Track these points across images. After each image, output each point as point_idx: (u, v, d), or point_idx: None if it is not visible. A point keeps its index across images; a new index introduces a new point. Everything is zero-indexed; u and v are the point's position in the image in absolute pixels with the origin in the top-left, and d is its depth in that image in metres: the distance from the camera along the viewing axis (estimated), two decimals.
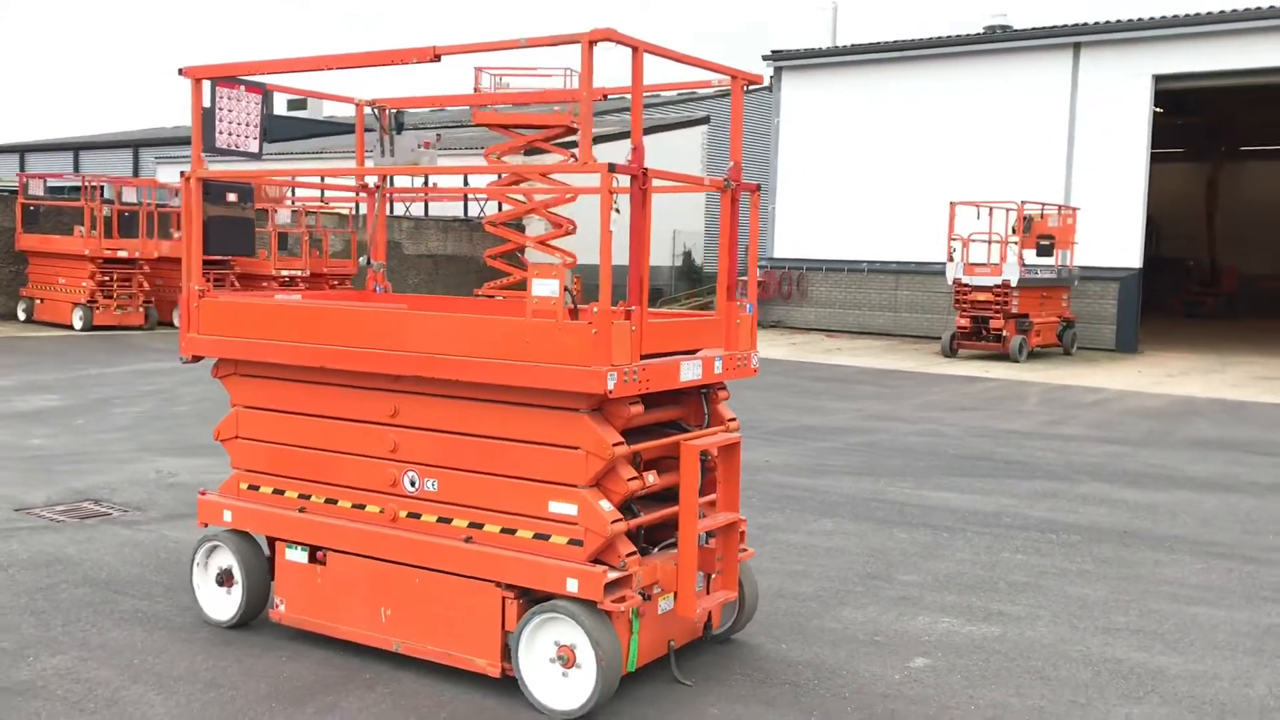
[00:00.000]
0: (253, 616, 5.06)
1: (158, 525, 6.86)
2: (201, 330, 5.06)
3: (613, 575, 4.15)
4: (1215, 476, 9.23)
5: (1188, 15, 20.54)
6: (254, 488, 5.08)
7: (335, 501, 4.83)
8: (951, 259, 19.21)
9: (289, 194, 26.01)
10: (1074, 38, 21.71)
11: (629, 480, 4.24)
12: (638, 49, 4.11)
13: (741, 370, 4.85)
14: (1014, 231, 20.00)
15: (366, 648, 4.73)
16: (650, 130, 36.39)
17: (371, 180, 5.84)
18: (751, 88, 4.99)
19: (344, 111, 55.12)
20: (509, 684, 4.34)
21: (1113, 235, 21.19)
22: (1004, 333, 18.63)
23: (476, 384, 4.34)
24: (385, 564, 4.64)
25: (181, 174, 5.12)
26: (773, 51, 26.08)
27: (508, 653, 4.36)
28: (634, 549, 4.28)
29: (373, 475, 4.71)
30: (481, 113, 16.54)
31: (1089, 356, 20.40)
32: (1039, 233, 19.86)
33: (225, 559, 5.11)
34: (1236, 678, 4.74)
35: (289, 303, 5.15)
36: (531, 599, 4.35)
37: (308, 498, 4.90)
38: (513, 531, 4.37)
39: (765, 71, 26.30)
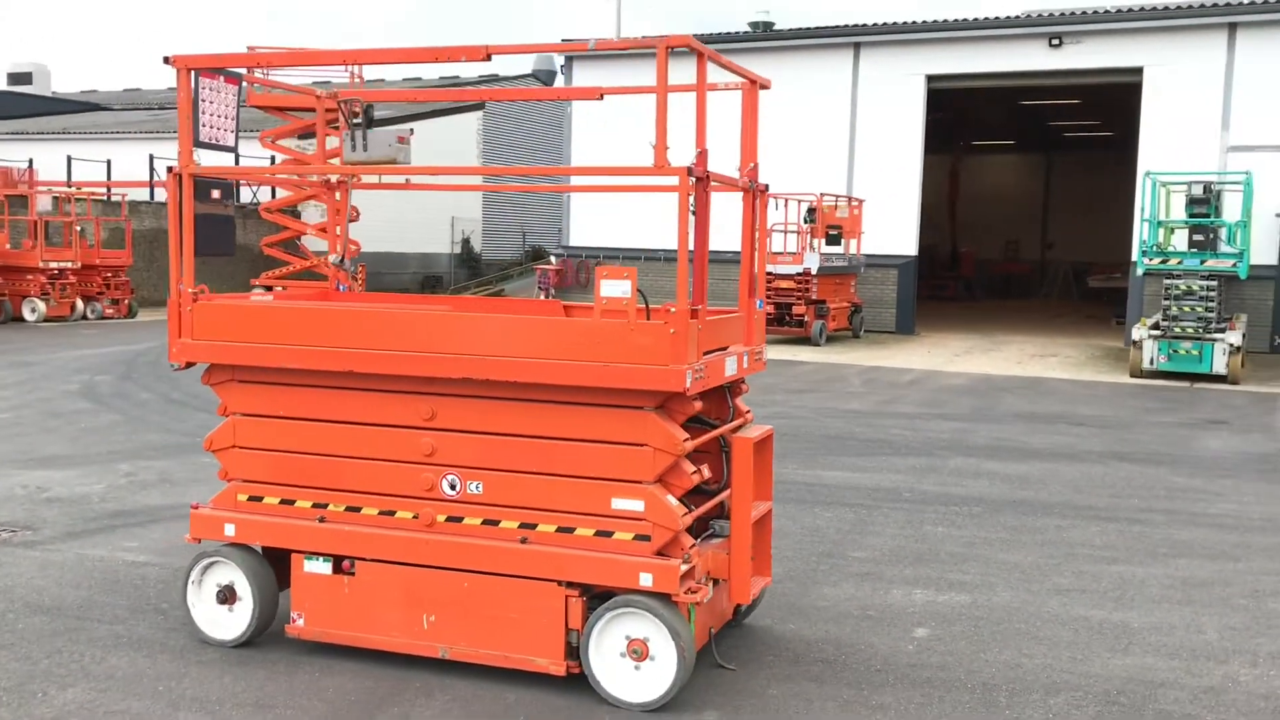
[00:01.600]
0: (260, 633, 4.84)
1: (65, 544, 6.37)
2: (196, 335, 4.78)
3: (684, 568, 4.26)
4: (1055, 447, 10.16)
5: (955, 20, 22.16)
6: (256, 499, 4.85)
7: (358, 509, 4.69)
8: None
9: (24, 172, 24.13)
10: (855, 38, 22.99)
11: (691, 474, 4.37)
12: (703, 55, 4.22)
13: (756, 365, 5.05)
14: (805, 222, 21.11)
15: (397, 656, 4.63)
16: (421, 116, 35.85)
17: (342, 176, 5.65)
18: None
19: (69, 87, 50.95)
20: (569, 682, 4.38)
21: (891, 225, 22.63)
22: (806, 318, 19.60)
23: (535, 385, 4.34)
24: (426, 570, 4.56)
25: (170, 169, 4.82)
26: (563, 40, 26.20)
27: (570, 651, 4.40)
28: (694, 541, 4.41)
29: (405, 480, 4.61)
30: (256, 94, 15.92)
31: (876, 339, 21.73)
32: (827, 223, 21.02)
33: (226, 575, 4.86)
34: (1189, 626, 5.36)
35: (308, 306, 4.93)
36: (592, 595, 4.41)
37: (324, 506, 4.74)
38: (570, 530, 4.40)
39: (557, 60, 26.43)
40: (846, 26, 23.29)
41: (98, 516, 7.04)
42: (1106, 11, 21.48)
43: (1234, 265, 15.03)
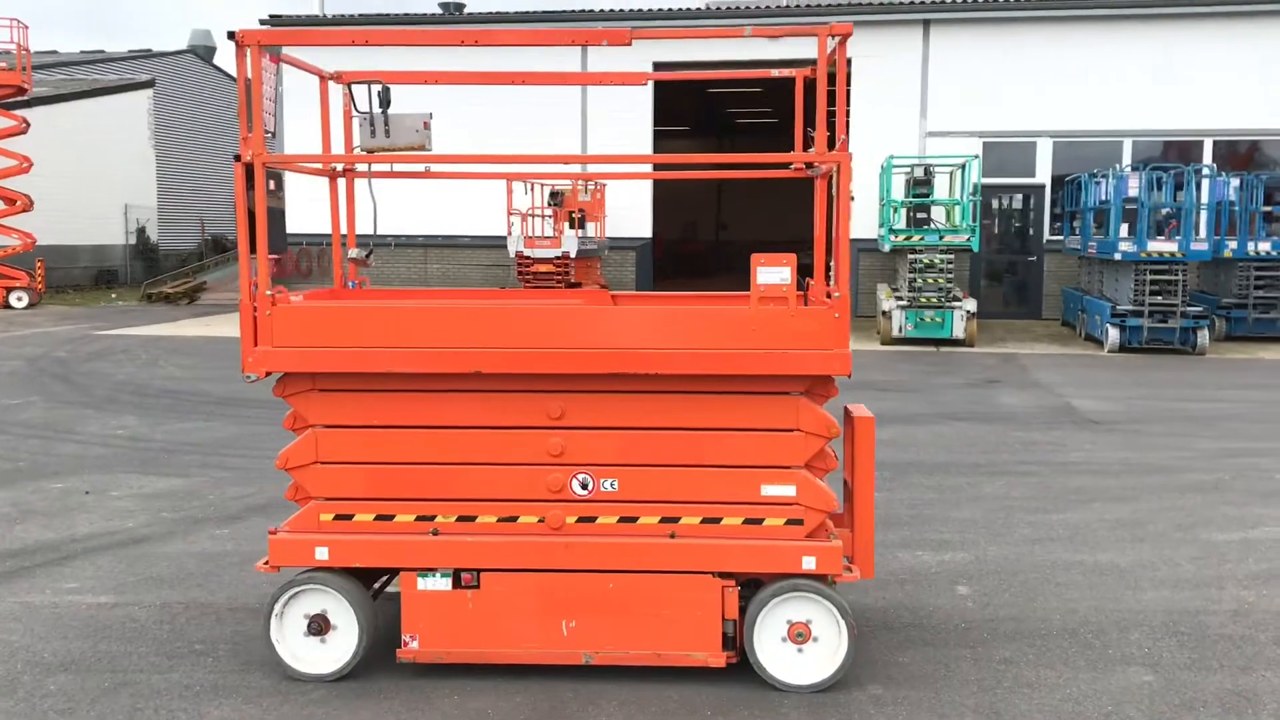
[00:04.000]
0: (360, 662, 4.45)
1: (28, 589, 5.52)
2: (276, 343, 4.30)
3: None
4: (886, 411, 10.94)
5: (679, 10, 23.00)
6: (344, 517, 4.44)
7: (472, 518, 4.42)
8: (511, 233, 19.92)
9: None
10: (581, 24, 23.27)
11: (832, 456, 4.46)
12: (845, 36, 4.29)
13: None
14: (548, 205, 21.29)
15: (528, 669, 4.42)
16: (88, 95, 32.67)
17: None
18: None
19: None
20: (728, 673, 4.37)
21: (628, 208, 23.19)
22: None
23: (684, 376, 4.27)
24: (563, 574, 4.37)
25: (237, 157, 4.29)
26: (271, 16, 24.74)
27: (726, 641, 4.38)
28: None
29: (530, 483, 4.39)
30: None
31: None
32: (570, 207, 21.28)
33: (318, 603, 4.43)
34: (1165, 561, 6.06)
35: (423, 305, 4.54)
36: (743, 584, 4.41)
37: (430, 519, 4.42)
38: (716, 520, 4.38)
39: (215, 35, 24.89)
40: (573, 12, 23.54)
41: None
42: (816, 6, 23.00)
43: (967, 240, 16.69)
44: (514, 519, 4.42)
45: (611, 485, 4.39)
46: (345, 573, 4.46)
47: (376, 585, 4.80)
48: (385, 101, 5.18)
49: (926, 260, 16.76)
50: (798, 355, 4.21)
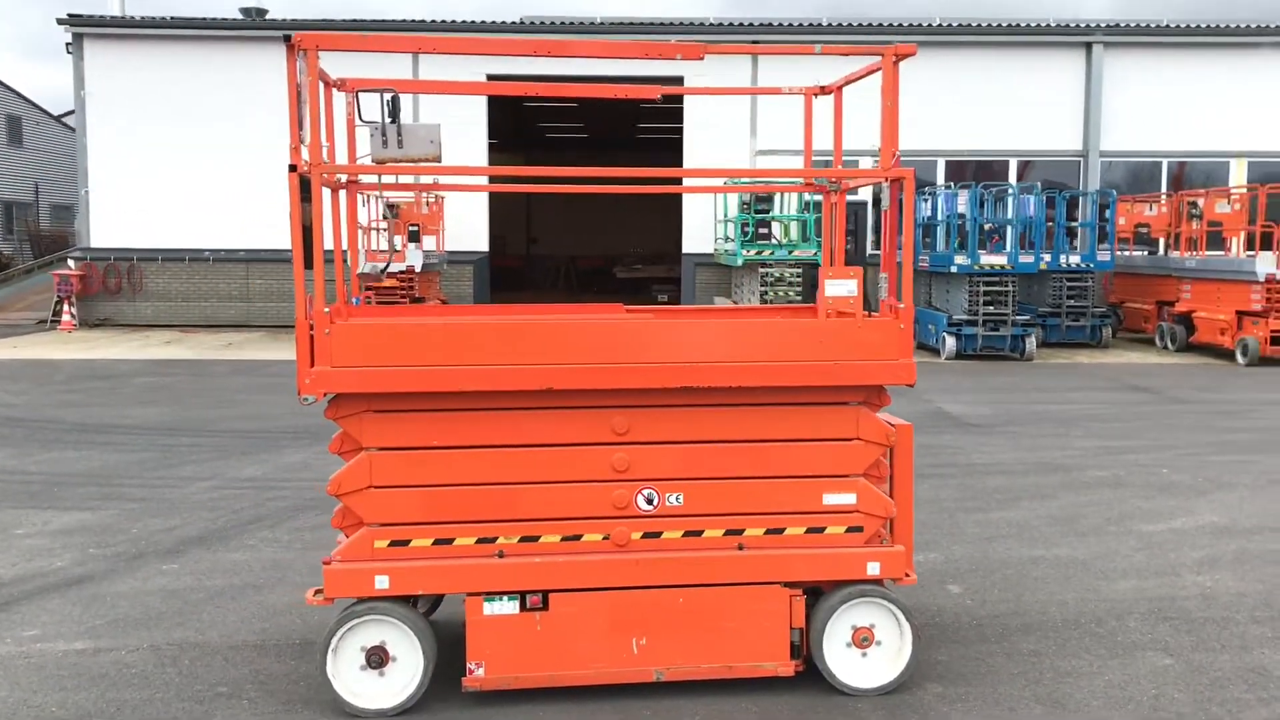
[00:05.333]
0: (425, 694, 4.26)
1: None
2: (336, 362, 4.08)
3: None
4: None
5: (514, 23, 22.91)
6: (400, 543, 4.25)
7: (535, 538, 4.32)
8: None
9: None
10: (413, 33, 22.83)
11: (885, 464, 4.59)
12: (885, 57, 4.43)
13: None
14: (385, 218, 20.77)
15: (594, 690, 4.35)
16: None
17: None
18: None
19: None
20: (794, 681, 4.43)
21: (463, 221, 22.88)
22: None
23: (744, 389, 4.30)
24: (632, 592, 4.33)
25: (293, 167, 4.06)
26: (70, 15, 23.15)
27: (794, 650, 4.43)
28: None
29: (595, 501, 4.33)
30: None
31: None
32: (409, 220, 20.84)
33: (374, 635, 4.22)
34: (1117, 553, 6.48)
35: (492, 322, 4.36)
36: (808, 592, 4.47)
37: (492, 540, 4.29)
38: (780, 531, 4.43)
39: (62, 36, 23.29)
40: (407, 21, 23.10)
41: None
42: (656, 23, 23.36)
43: (815, 254, 17.31)
44: (578, 537, 4.34)
45: (677, 500, 4.38)
46: (404, 601, 4.27)
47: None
48: (395, 110, 5.00)
49: (777, 274, 17.28)
50: (865, 366, 4.32)
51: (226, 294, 23.42)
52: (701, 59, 4.22)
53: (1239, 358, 16.81)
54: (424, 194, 20.91)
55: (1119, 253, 20.40)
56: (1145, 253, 21.41)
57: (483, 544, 4.29)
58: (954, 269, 16.93)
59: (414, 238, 20.80)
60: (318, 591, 4.31)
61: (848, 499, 4.44)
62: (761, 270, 17.38)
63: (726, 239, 17.99)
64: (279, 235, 22.48)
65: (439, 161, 4.99)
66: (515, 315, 4.88)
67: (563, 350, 4.19)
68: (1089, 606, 5.51)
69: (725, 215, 19.26)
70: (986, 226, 18.15)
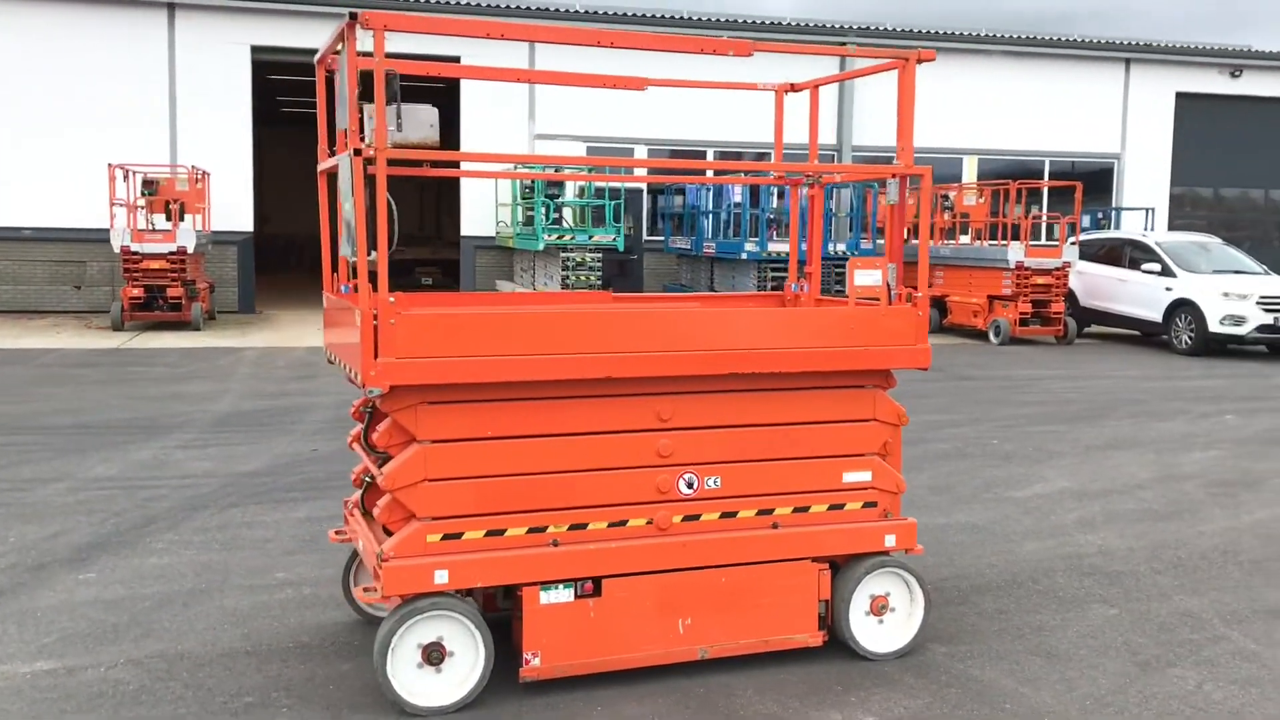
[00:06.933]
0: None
1: None
2: (400, 353, 3.95)
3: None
4: None
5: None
6: (452, 536, 4.17)
7: (583, 525, 4.34)
8: (114, 225, 17.90)
9: None
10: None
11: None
12: (909, 62, 4.71)
13: None
14: (141, 196, 19.40)
15: (643, 671, 4.43)
16: None
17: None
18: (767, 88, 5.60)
19: None
20: (822, 650, 4.67)
21: (227, 200, 21.65)
22: (182, 300, 18.12)
23: (783, 374, 4.50)
24: (678, 574, 4.43)
25: (357, 151, 3.89)
26: None
27: (820, 621, 4.67)
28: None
29: (640, 486, 4.41)
30: None
31: (233, 320, 20.73)
32: (166, 197, 19.55)
33: (433, 630, 4.12)
34: (1006, 518, 7.12)
35: (555, 310, 4.29)
36: (831, 565, 4.72)
37: (542, 529, 4.29)
38: (805, 509, 4.66)
39: None
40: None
41: None
42: (425, 2, 22.86)
43: (614, 240, 17.62)
44: (623, 523, 4.39)
45: (715, 483, 4.51)
46: (461, 595, 4.19)
47: None
48: (396, 93, 4.83)
49: (578, 258, 17.46)
50: (890, 351, 4.60)
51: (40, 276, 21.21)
52: (750, 55, 4.35)
53: (992, 338, 18.50)
54: (185, 169, 19.63)
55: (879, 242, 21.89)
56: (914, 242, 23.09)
57: (533, 534, 4.26)
58: (744, 255, 17.68)
59: (169, 215, 19.49)
60: (368, 589, 4.15)
61: (864, 476, 4.72)
62: (563, 255, 17.50)
63: (520, 223, 17.99)
64: (11, 212, 20.68)
65: (437, 147, 4.86)
66: (559, 305, 4.86)
67: (621, 338, 4.23)
68: (1016, 567, 6.06)
69: (515, 199, 19.24)
70: (769, 216, 19.07)
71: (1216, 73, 27.32)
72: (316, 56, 4.80)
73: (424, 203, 45.26)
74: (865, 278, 4.61)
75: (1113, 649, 4.88)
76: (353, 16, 3.85)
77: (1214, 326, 16.75)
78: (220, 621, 5.07)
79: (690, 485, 4.47)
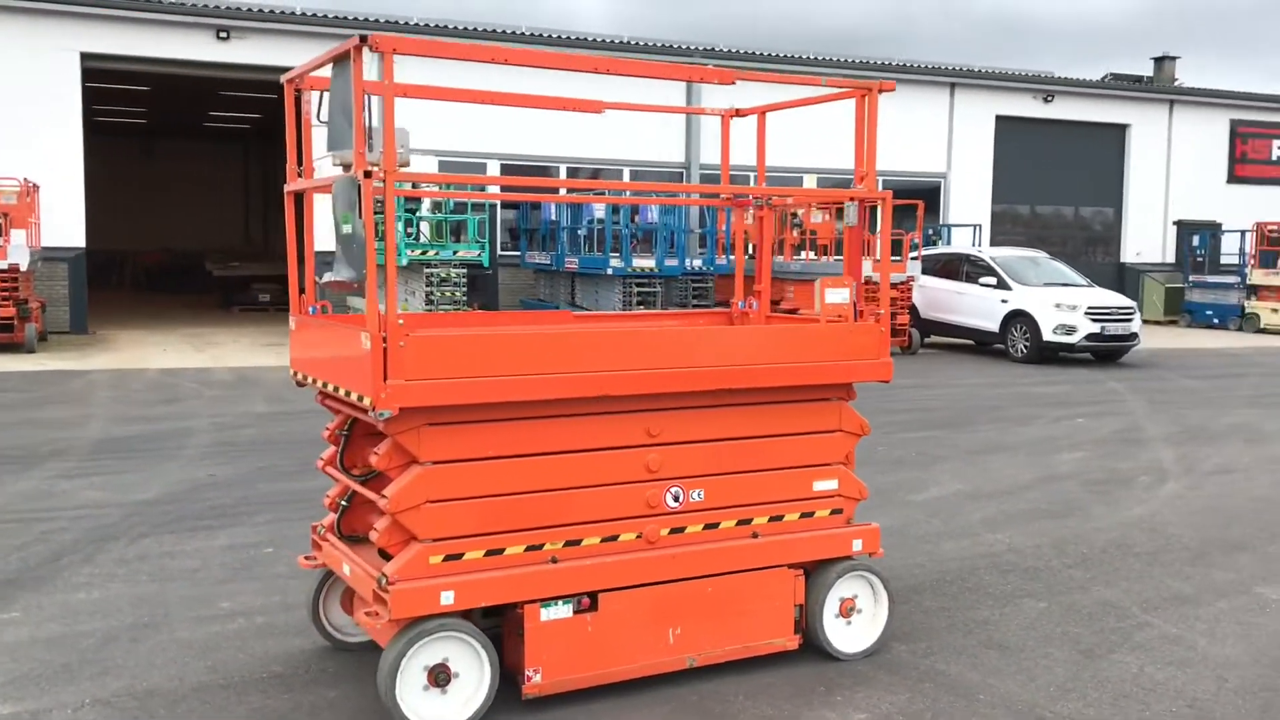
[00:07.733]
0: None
1: None
2: (409, 375, 3.94)
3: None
4: None
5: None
6: (453, 557, 4.18)
7: (578, 541, 4.41)
8: None
9: None
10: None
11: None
12: (872, 91, 4.96)
13: None
14: None
15: (635, 682, 4.51)
16: None
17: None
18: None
19: None
20: (797, 654, 4.85)
21: (58, 215, 20.52)
22: (14, 321, 17.07)
23: (769, 389, 4.68)
24: (669, 585, 4.54)
25: (367, 173, 3.87)
26: None
27: (795, 625, 4.85)
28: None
29: (630, 501, 4.51)
30: None
31: (67, 341, 19.63)
32: None
33: (437, 653, 4.11)
34: (914, 522, 7.48)
35: (557, 331, 4.31)
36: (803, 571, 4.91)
37: (539, 547, 4.33)
38: (780, 518, 4.84)
39: None
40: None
41: None
42: (274, 13, 22.23)
43: (478, 255, 17.53)
44: (615, 538, 4.48)
45: (699, 495, 4.64)
46: (464, 615, 4.19)
47: None
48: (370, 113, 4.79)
49: (443, 274, 17.30)
50: (858, 365, 4.84)
51: None
52: (733, 84, 4.51)
53: None
54: (14, 181, 18.52)
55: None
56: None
57: (531, 551, 4.30)
58: (609, 271, 17.87)
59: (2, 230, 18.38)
60: (369, 613, 4.11)
61: (832, 484, 4.94)
62: (428, 270, 17.29)
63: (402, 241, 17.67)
64: None
65: (408, 166, 4.84)
66: (554, 325, 4.90)
67: (617, 357, 4.32)
68: (942, 567, 6.40)
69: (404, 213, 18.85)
70: (635, 234, 19.32)
71: (1031, 97, 29.17)
72: (286, 76, 4.74)
73: (249, 213, 43.87)
74: (835, 295, 4.84)
75: (1055, 639, 5.23)
76: (362, 39, 3.84)
77: (1048, 335, 17.89)
78: (179, 655, 4.89)
79: (676, 499, 4.59)
